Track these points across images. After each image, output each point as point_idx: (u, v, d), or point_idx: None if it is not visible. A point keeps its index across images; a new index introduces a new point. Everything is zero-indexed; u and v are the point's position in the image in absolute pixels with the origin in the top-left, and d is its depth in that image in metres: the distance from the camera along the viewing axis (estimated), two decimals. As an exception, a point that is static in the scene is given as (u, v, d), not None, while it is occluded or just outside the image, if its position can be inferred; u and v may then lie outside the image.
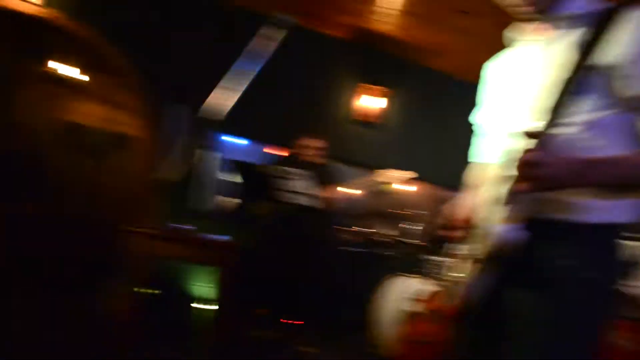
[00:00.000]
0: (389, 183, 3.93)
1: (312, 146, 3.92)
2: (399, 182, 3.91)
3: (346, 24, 4.60)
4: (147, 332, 2.59)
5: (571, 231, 1.19)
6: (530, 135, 1.10)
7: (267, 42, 2.27)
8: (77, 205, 6.45)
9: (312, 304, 3.99)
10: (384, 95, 5.00)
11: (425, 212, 4.77)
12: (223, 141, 5.11)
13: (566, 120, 1.14)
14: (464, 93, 5.12)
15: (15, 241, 4.26)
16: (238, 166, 3.54)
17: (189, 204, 4.32)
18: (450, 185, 5.47)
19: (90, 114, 6.98)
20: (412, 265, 4.23)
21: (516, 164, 1.10)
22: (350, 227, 4.91)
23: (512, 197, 1.16)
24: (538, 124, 1.10)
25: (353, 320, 4.25)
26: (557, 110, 1.10)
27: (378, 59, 5.01)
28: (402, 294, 3.65)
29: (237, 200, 4.01)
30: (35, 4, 4.28)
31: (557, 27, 1.26)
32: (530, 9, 1.27)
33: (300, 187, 3.35)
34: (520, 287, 1.22)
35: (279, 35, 2.30)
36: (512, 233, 1.15)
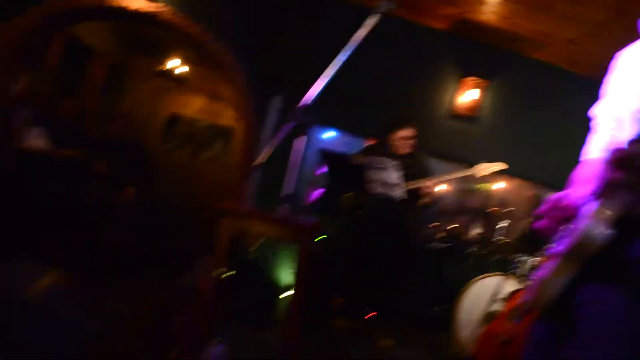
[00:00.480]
0: (479, 179, 3.77)
1: (405, 136, 3.88)
2: (489, 174, 3.72)
3: (447, 15, 4.49)
4: (227, 315, 2.71)
5: None
6: None
7: (367, 32, 2.28)
8: (179, 190, 6.95)
9: (395, 297, 3.98)
10: (484, 88, 4.83)
11: (513, 209, 4.56)
12: (320, 132, 5.23)
13: None
14: (568, 85, 4.89)
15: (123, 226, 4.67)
16: (326, 156, 3.57)
17: (282, 192, 4.48)
18: (547, 183, 5.23)
19: (195, 106, 7.49)
20: (498, 263, 4.09)
21: (617, 157, 1.03)
22: (439, 222, 4.82)
23: (607, 191, 1.09)
24: None
25: (436, 317, 4.20)
26: None
27: (479, 51, 4.85)
28: (486, 293, 3.55)
29: (327, 190, 4.07)
30: (150, 3, 4.54)
31: None
32: None
33: (391, 179, 3.32)
34: (605, 286, 1.14)
35: (380, 21, 2.29)
36: (601, 231, 1.08)
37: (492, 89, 4.89)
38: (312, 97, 2.38)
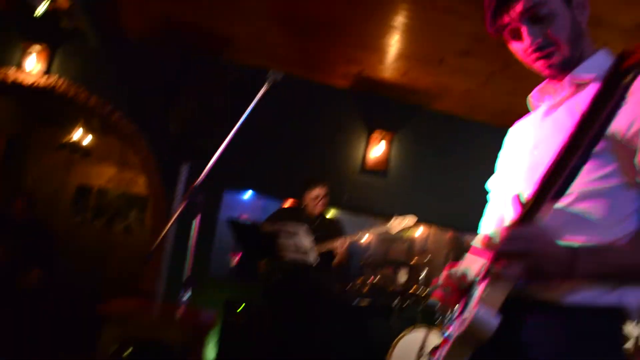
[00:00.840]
0: (394, 231, 3.79)
1: (317, 196, 3.86)
2: (403, 229, 3.76)
3: (348, 73, 4.60)
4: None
5: (557, 314, 1.06)
6: (521, 207, 1.00)
7: (267, 97, 2.26)
8: (92, 267, 6.53)
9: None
10: (390, 141, 4.94)
11: (431, 257, 4.62)
12: (230, 197, 5.11)
13: (564, 191, 1.03)
14: (468, 132, 5.10)
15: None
16: (234, 226, 3.45)
17: (193, 267, 4.31)
18: (459, 228, 5.35)
19: (105, 176, 7.17)
20: (424, 314, 4.07)
21: (499, 238, 0.99)
22: (362, 277, 4.78)
23: (493, 275, 1.05)
24: (532, 194, 0.99)
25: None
26: (552, 177, 0.96)
27: (383, 105, 4.98)
28: (413, 348, 3.51)
29: (240, 260, 3.94)
30: (45, 77, 4.38)
31: (569, 89, 1.19)
32: (543, 62, 1.19)
33: (303, 244, 3.25)
34: None
35: (273, 89, 2.28)
36: (489, 318, 1.04)
37: (399, 142, 5.01)
38: (222, 163, 2.28)
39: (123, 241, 7.13)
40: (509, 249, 0.96)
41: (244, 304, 4.09)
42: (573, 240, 1.05)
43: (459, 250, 5.66)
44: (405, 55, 4.06)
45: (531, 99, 1.32)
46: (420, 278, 4.28)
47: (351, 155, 4.92)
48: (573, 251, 0.97)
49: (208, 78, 4.35)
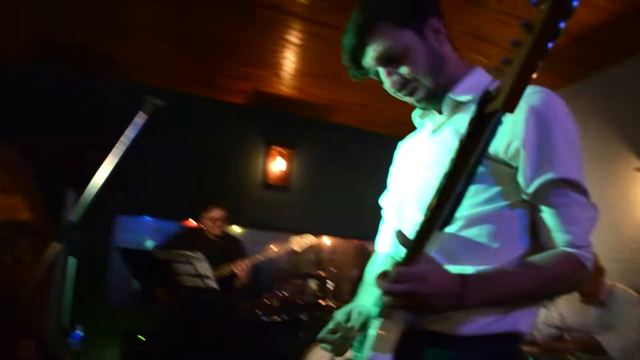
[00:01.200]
0: (301, 250, 3.80)
1: (214, 218, 3.76)
2: (304, 247, 3.78)
3: (243, 90, 4.53)
4: None
5: (455, 345, 1.04)
6: (403, 241, 0.97)
7: (149, 122, 2.15)
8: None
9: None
10: (291, 156, 4.93)
11: (335, 270, 4.66)
12: (130, 220, 4.86)
13: (451, 218, 1.01)
14: (366, 143, 5.22)
15: None
16: (125, 254, 3.27)
17: (86, 298, 4.05)
18: (363, 239, 5.45)
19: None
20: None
21: (386, 277, 0.96)
22: (270, 294, 4.72)
23: (383, 314, 1.03)
24: (419, 225, 0.95)
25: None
26: (438, 206, 0.91)
27: (282, 120, 4.97)
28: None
29: (140, 285, 3.75)
30: None
31: (449, 110, 1.17)
32: (409, 98, 1.19)
33: (199, 270, 3.13)
34: None
35: (154, 114, 2.17)
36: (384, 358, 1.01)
37: (299, 156, 5.02)
38: (109, 187, 2.14)
39: (13, 272, 6.54)
40: (396, 290, 0.93)
41: (140, 336, 3.87)
42: (466, 264, 1.04)
43: (366, 258, 5.76)
44: (301, 70, 4.08)
45: (415, 117, 1.32)
46: (329, 289, 4.30)
47: (251, 172, 4.86)
48: (462, 281, 0.96)
49: (94, 99, 4.11)
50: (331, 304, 4.14)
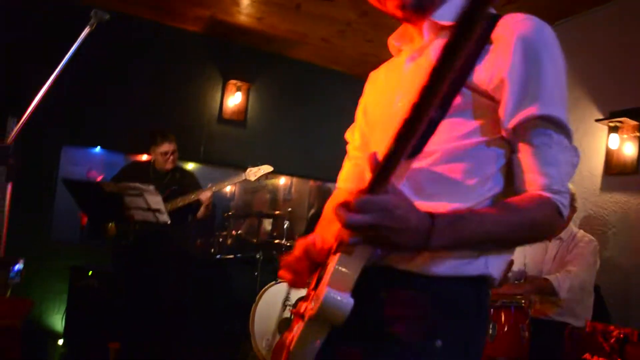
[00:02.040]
0: (252, 179, 3.69)
1: (165, 152, 3.59)
2: (261, 177, 3.68)
3: (199, 16, 4.26)
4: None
5: (422, 285, 0.98)
6: (372, 167, 0.85)
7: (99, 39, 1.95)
8: None
9: (182, 324, 3.72)
10: (247, 91, 4.75)
11: (294, 209, 4.63)
12: (77, 152, 4.63)
13: (421, 147, 0.94)
14: (327, 82, 5.09)
15: None
16: (71, 186, 3.08)
17: (33, 233, 3.87)
18: (318, 178, 5.40)
19: None
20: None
21: (349, 207, 0.85)
22: (225, 230, 4.66)
23: (343, 248, 0.93)
24: (385, 152, 0.82)
25: (231, 333, 4.05)
26: (409, 136, 0.79)
27: (239, 53, 4.74)
28: (277, 301, 3.51)
29: (89, 218, 3.59)
30: None
31: (430, 34, 1.07)
32: (395, 3, 1.05)
33: (150, 204, 3.00)
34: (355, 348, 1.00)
35: (99, 30, 1.96)
36: (339, 301, 0.91)
37: (256, 91, 4.84)
38: (27, 119, 1.94)
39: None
40: (357, 221, 0.83)
41: (90, 272, 3.76)
42: (438, 200, 0.98)
43: (322, 199, 5.75)
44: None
45: (392, 41, 1.21)
46: (284, 228, 4.26)
47: (206, 105, 4.66)
48: (431, 220, 0.87)
49: (36, 18, 3.76)
50: (285, 243, 4.10)
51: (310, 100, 5.02)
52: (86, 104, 4.01)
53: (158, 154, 3.59)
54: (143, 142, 3.79)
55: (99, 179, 4.65)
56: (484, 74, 0.95)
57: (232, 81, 4.66)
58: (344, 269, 0.93)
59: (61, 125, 3.90)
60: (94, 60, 3.50)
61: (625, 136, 3.16)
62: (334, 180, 1.35)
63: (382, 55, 1.24)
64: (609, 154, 3.25)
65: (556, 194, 0.94)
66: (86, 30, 1.93)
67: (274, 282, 3.65)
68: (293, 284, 1.19)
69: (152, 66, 4.38)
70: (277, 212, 4.80)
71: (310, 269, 1.16)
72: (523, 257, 3.04)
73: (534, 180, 0.95)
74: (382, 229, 0.83)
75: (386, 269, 0.98)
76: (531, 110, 0.92)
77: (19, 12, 3.91)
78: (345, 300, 0.91)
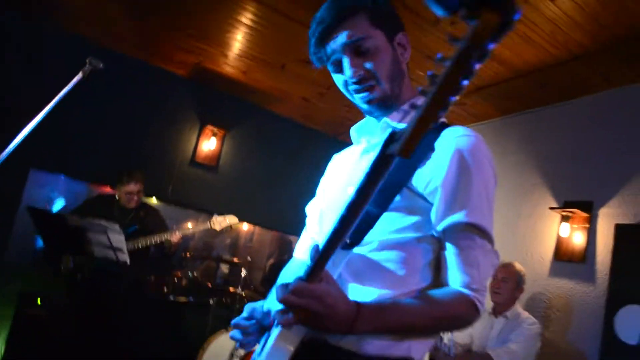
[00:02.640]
0: (218, 229, 3.75)
1: (131, 192, 3.62)
2: (224, 226, 3.75)
3: (186, 62, 4.37)
4: None
5: None
6: (312, 257, 0.95)
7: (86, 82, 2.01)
8: None
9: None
10: (222, 137, 4.83)
11: (253, 257, 4.65)
12: (37, 176, 4.56)
13: (360, 239, 1.04)
14: (303, 138, 5.22)
15: None
16: (35, 215, 3.05)
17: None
18: (283, 231, 5.44)
19: None
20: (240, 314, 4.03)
21: (286, 288, 0.96)
22: (179, 272, 4.60)
23: (278, 322, 1.00)
24: (325, 242, 0.92)
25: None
26: (340, 230, 0.89)
27: (219, 100, 4.84)
28: (225, 351, 3.47)
29: (45, 246, 3.52)
30: None
31: (382, 133, 1.16)
32: (362, 95, 1.18)
33: (112, 242, 2.99)
34: None
35: (92, 77, 2.04)
36: None
37: (232, 138, 4.93)
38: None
39: None
40: (292, 302, 0.93)
41: (39, 298, 3.66)
42: (371, 285, 1.07)
43: (282, 250, 5.78)
44: (249, 54, 3.99)
45: (353, 132, 1.32)
46: (241, 276, 4.26)
47: (180, 147, 4.71)
48: (357, 309, 0.97)
49: (33, 47, 3.80)
50: (241, 292, 4.10)
51: (283, 153, 5.13)
52: (61, 130, 4.01)
53: (123, 193, 3.63)
54: (110, 175, 3.81)
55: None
56: (422, 178, 1.07)
57: (209, 126, 4.75)
58: (282, 342, 1.02)
59: (33, 149, 3.86)
60: (75, 88, 3.54)
61: (575, 226, 3.32)
62: (297, 233, 1.44)
63: (357, 120, 1.33)
64: (559, 241, 3.39)
65: (475, 292, 1.04)
66: (79, 76, 2.01)
67: (224, 330, 3.63)
68: (243, 345, 1.27)
69: (133, 101, 4.43)
70: (235, 260, 4.79)
71: (260, 332, 1.24)
72: (470, 330, 3.13)
73: (456, 278, 1.05)
74: (312, 313, 0.93)
75: (321, 344, 1.06)
76: (459, 217, 1.04)
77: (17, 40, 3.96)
78: None
